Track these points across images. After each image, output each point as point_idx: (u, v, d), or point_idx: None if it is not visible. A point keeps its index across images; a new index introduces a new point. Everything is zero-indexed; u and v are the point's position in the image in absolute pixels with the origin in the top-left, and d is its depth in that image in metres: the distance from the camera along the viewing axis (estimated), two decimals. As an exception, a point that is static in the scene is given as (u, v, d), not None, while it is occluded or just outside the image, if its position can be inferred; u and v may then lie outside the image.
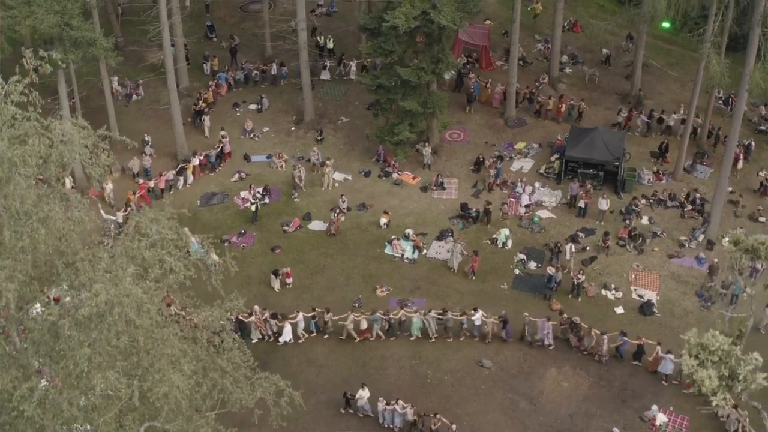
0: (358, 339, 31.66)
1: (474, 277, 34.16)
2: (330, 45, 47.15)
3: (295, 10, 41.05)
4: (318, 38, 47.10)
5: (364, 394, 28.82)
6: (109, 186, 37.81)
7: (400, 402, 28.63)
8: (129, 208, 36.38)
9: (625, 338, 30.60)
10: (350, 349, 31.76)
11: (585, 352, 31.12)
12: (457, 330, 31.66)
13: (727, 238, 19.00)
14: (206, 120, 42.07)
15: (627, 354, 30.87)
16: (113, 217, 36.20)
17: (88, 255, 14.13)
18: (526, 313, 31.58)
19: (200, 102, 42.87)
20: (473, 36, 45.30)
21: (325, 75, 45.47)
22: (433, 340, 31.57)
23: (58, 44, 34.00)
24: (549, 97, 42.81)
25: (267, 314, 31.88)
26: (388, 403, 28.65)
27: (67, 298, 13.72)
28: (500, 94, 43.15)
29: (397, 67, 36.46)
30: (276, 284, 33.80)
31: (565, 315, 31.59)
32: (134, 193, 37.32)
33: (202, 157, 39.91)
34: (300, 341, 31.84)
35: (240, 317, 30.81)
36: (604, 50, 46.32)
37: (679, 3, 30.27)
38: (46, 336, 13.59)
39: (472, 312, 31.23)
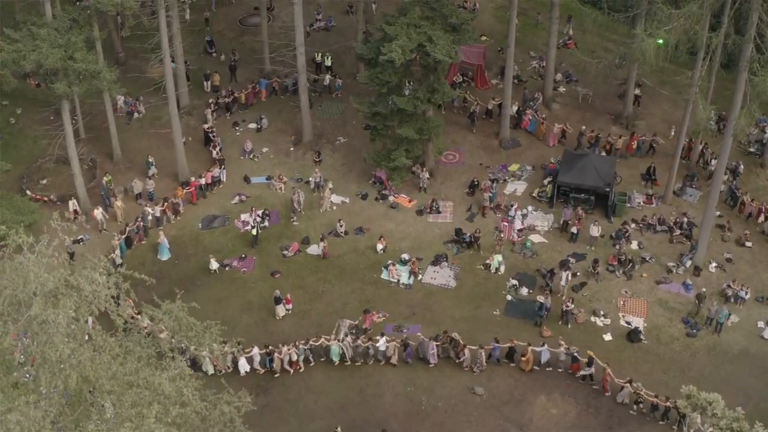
0: (292, 371, 32.46)
1: (364, 333, 34.03)
2: (328, 62, 47.79)
3: (293, 20, 41.27)
4: (315, 55, 47.69)
5: None
6: (119, 203, 39.00)
7: None
8: (166, 203, 38.87)
9: (496, 344, 32.29)
10: (347, 376, 32.86)
11: (466, 368, 32.58)
12: (365, 353, 32.80)
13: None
14: (208, 113, 44.07)
15: (500, 357, 32.81)
16: (151, 210, 38.47)
17: (114, 386, 15.30)
18: (420, 333, 33.19)
19: (225, 98, 45.01)
20: (468, 55, 45.89)
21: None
22: (348, 362, 32.75)
23: (63, 76, 34.75)
24: (620, 136, 42.70)
25: (227, 346, 31.63)
26: None
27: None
28: (558, 134, 42.89)
29: (394, 96, 37.26)
30: (280, 312, 34.72)
31: (446, 332, 33.07)
32: (183, 189, 39.82)
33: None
34: (260, 372, 32.43)
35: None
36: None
37: (668, 48, 30.96)
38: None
39: (377, 338, 32.56)
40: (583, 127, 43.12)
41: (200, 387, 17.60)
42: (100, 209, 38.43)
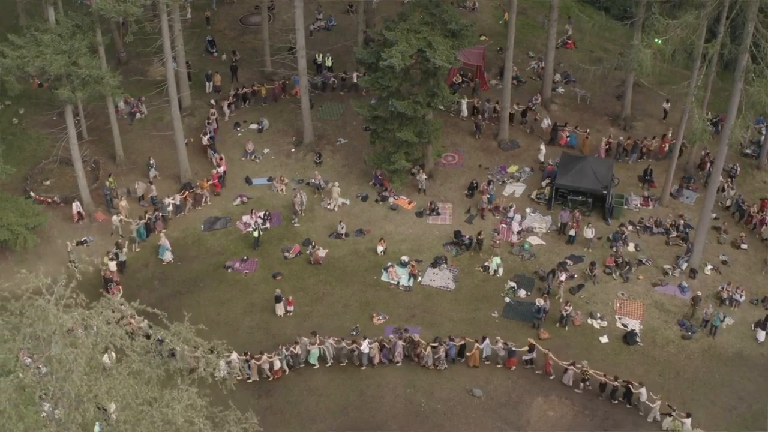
0: (271, 378, 32.81)
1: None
2: (329, 63, 48.05)
3: (294, 20, 41.52)
4: (316, 56, 47.94)
5: None
6: (123, 203, 39.45)
7: None
8: (187, 191, 39.93)
9: (451, 343, 33.16)
10: (348, 378, 33.39)
11: (426, 366, 33.26)
12: (350, 356, 33.39)
13: None
14: (224, 105, 45.28)
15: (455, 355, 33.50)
16: (170, 199, 39.49)
17: (129, 416, 15.91)
18: (391, 335, 33.82)
19: (245, 89, 46.24)
20: (468, 56, 46.19)
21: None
22: (330, 364, 33.33)
23: (66, 82, 35.07)
24: (653, 137, 43.12)
25: (200, 351, 32.29)
26: None
27: None
28: (604, 148, 42.59)
29: (393, 100, 37.62)
30: (280, 311, 35.28)
31: (405, 329, 33.94)
32: (207, 181, 40.88)
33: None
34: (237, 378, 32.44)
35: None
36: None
37: (665, 58, 31.34)
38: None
39: (361, 342, 33.13)
40: (621, 138, 43.36)
41: (207, 405, 18.12)
42: (121, 217, 38.86)
